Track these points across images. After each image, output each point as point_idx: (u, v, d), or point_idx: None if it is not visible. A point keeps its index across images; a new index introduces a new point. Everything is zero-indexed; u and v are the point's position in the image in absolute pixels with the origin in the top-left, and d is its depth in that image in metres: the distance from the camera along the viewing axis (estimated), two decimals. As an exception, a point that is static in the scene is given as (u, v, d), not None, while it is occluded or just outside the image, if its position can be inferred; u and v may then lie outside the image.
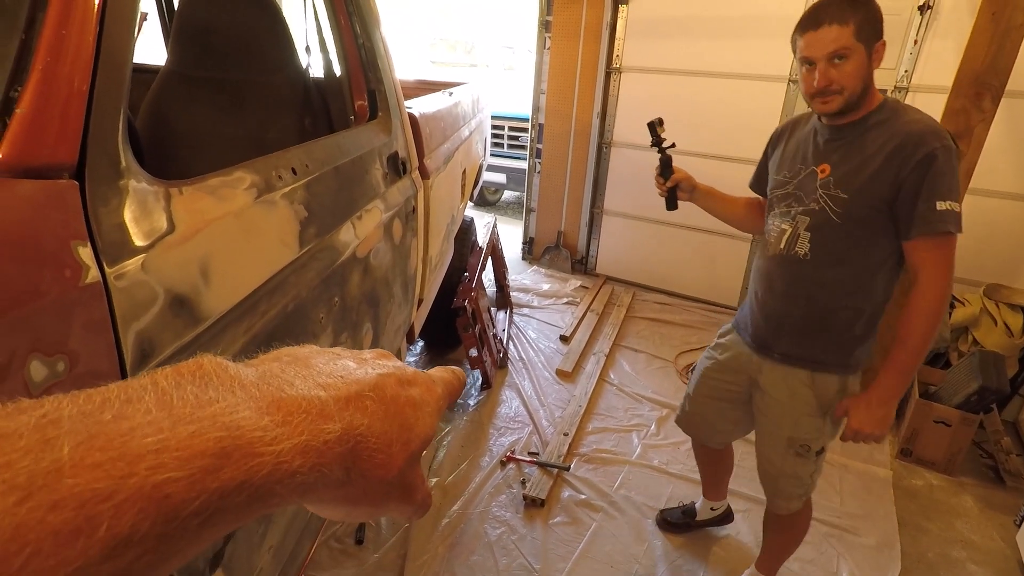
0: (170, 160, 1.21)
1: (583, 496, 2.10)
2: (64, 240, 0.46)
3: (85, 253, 0.48)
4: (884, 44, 1.16)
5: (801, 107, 3.23)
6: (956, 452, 2.33)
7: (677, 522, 1.98)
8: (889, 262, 1.24)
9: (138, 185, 0.56)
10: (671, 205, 1.55)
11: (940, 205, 1.11)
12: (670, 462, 2.32)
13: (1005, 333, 2.63)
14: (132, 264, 0.54)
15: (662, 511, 2.03)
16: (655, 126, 1.50)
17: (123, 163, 0.54)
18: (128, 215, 0.54)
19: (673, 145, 1.53)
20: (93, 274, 0.48)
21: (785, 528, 1.58)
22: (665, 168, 1.52)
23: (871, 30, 1.13)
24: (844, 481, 2.27)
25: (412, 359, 2.92)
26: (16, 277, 0.42)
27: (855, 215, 1.21)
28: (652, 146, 1.52)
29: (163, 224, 0.59)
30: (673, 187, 1.52)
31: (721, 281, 3.75)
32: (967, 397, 2.32)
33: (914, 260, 1.19)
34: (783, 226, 1.33)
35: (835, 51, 1.13)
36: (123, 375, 0.52)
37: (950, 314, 2.74)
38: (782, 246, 1.33)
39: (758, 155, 1.84)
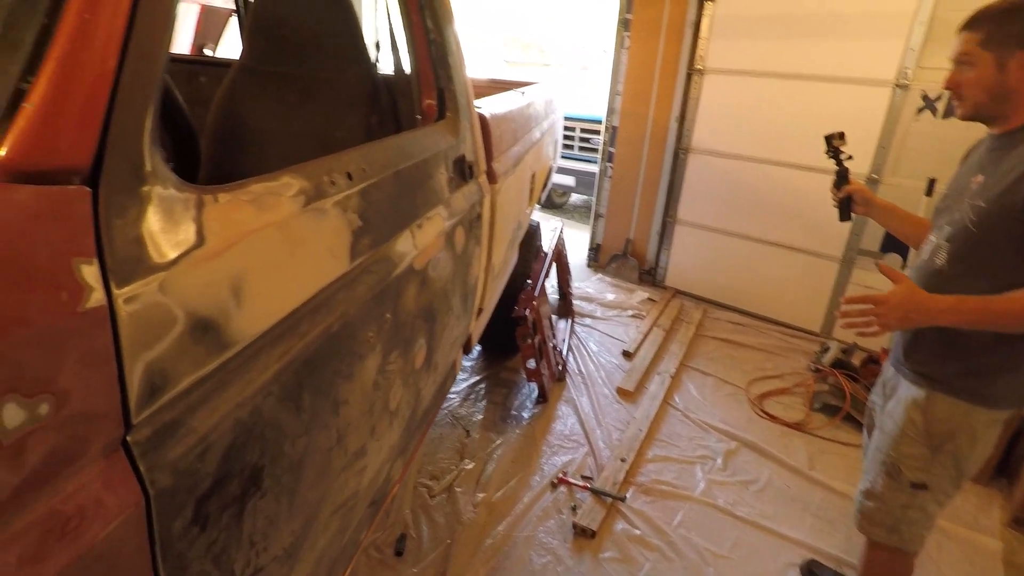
0: (240, 155, 1.19)
1: (638, 532, 1.95)
2: (64, 257, 0.39)
3: (89, 272, 0.41)
4: None
5: (908, 115, 2.90)
6: (1085, 525, 1.99)
7: None
8: None
9: (164, 192, 0.49)
10: (844, 216, 1.58)
11: None
12: (736, 503, 2.12)
13: None
14: (148, 284, 0.47)
15: (811, 562, 1.85)
16: (832, 139, 1.55)
17: (148, 167, 0.47)
18: (149, 227, 0.47)
19: (850, 157, 1.55)
20: (97, 297, 0.41)
21: (865, 569, 1.44)
22: (841, 179, 1.55)
23: (1004, 40, 1.09)
24: (943, 549, 1.97)
25: (468, 364, 2.86)
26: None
27: (990, 225, 1.13)
28: (829, 157, 1.57)
29: (191, 237, 0.51)
30: (847, 197, 1.54)
31: (803, 303, 3.44)
32: (1104, 462, 1.98)
33: None
34: (932, 238, 1.29)
35: (957, 56, 1.16)
36: (125, 413, 0.45)
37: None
38: (925, 257, 1.29)
39: (854, 166, 1.65)
